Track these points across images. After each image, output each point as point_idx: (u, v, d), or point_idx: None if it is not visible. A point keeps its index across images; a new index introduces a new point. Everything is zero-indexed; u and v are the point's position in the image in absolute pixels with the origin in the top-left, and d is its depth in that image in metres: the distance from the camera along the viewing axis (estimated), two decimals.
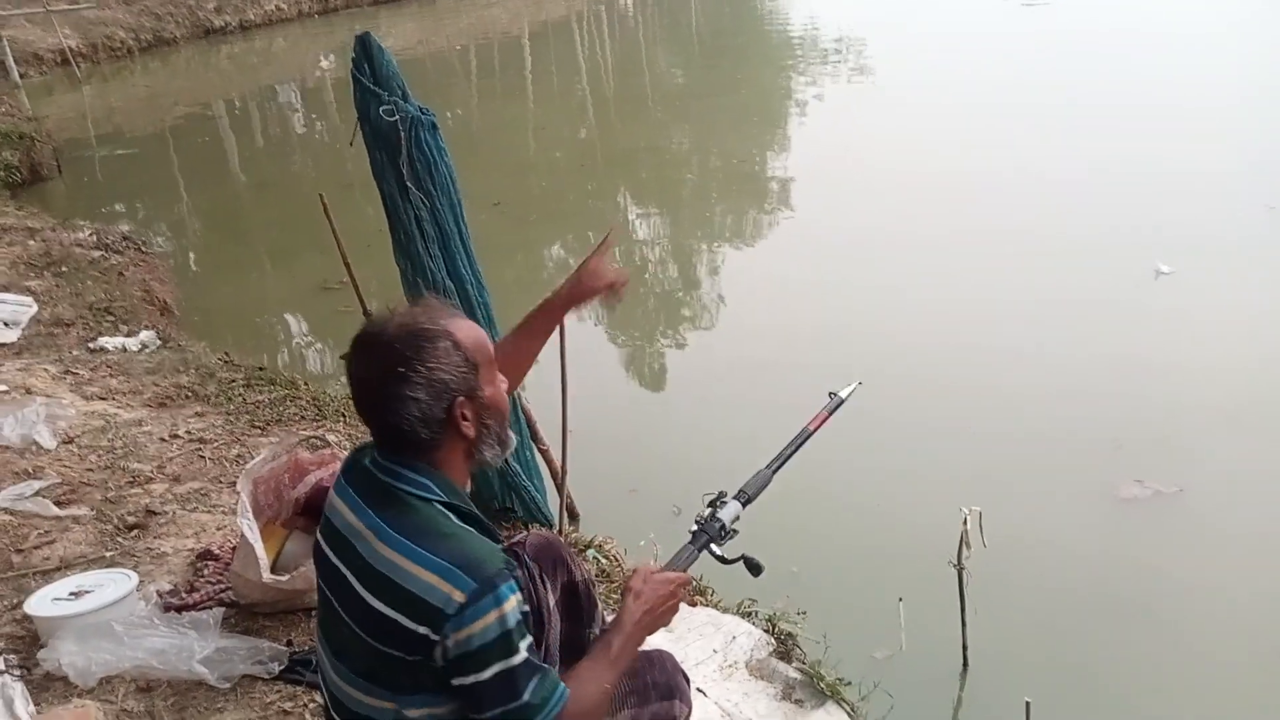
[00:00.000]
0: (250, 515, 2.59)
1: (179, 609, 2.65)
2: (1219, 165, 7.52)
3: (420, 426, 1.48)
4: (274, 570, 2.61)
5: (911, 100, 10.54)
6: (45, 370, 4.43)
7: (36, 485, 3.35)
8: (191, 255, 8.31)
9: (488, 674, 1.40)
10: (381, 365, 1.47)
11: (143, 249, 6.83)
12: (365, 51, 3.21)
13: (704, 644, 2.71)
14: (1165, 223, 6.48)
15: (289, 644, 2.55)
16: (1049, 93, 9.93)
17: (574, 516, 3.66)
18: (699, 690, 2.47)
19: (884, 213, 7.23)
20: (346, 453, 2.92)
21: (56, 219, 7.24)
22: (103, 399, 4.16)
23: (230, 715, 2.34)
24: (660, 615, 1.62)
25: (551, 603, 1.81)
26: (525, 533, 2.08)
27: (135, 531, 3.12)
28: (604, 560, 3.19)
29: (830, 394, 2.03)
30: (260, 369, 4.61)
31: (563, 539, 2.39)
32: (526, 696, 1.42)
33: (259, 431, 3.84)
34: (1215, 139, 8.14)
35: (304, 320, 6.57)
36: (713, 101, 12.14)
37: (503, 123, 12.07)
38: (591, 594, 1.96)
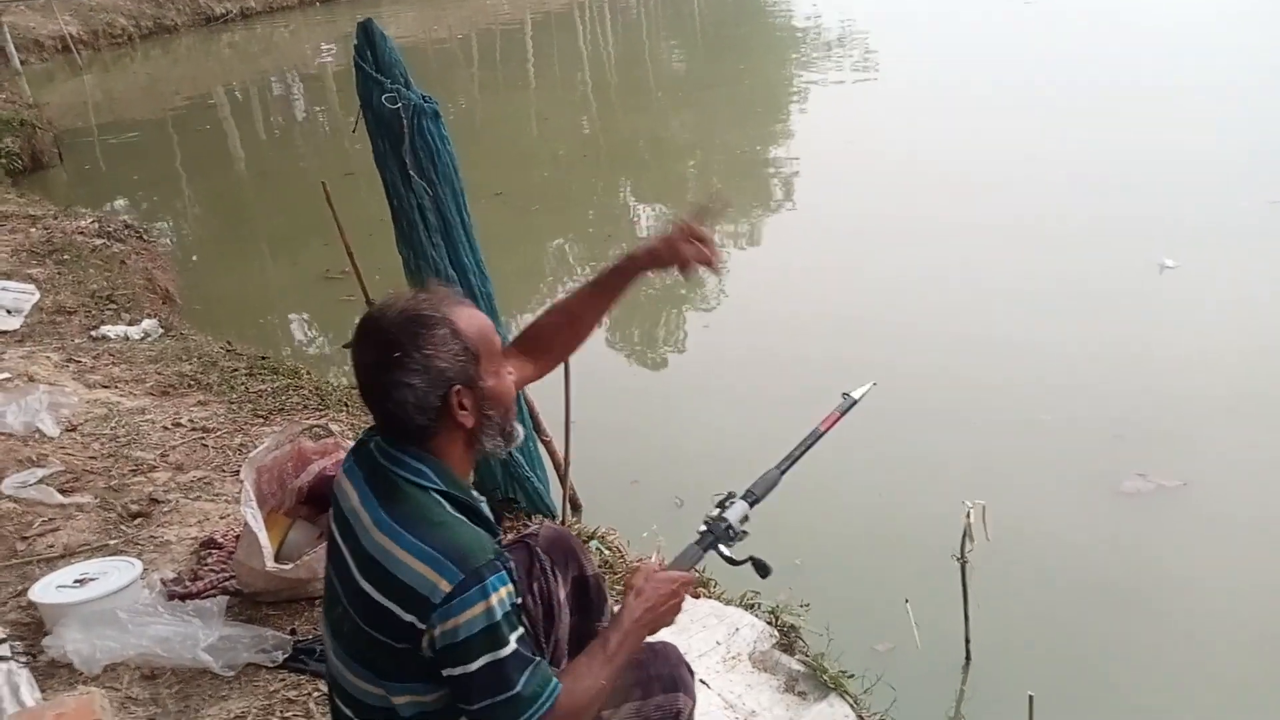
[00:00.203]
0: (254, 504, 2.59)
1: (183, 597, 2.65)
2: (1223, 158, 7.49)
3: (415, 413, 1.47)
4: (277, 559, 2.61)
5: (915, 91, 10.51)
6: (48, 358, 4.43)
7: (40, 473, 3.35)
8: (193, 244, 8.30)
9: (475, 665, 1.39)
10: (379, 350, 1.47)
11: (144, 237, 6.83)
12: (368, 38, 3.20)
13: (707, 635, 2.71)
14: (1169, 216, 6.47)
15: (293, 632, 2.55)
16: (1052, 84, 9.90)
17: (576, 507, 3.66)
18: (702, 682, 2.47)
19: (887, 204, 7.21)
20: (349, 442, 2.93)
21: (58, 206, 7.24)
22: (105, 387, 4.16)
23: (234, 703, 2.34)
24: (662, 615, 1.61)
25: (562, 596, 1.81)
26: (537, 525, 2.06)
27: (139, 520, 3.12)
28: (606, 551, 3.19)
29: (844, 395, 1.98)
30: (262, 358, 4.61)
31: (574, 532, 2.39)
32: (517, 689, 1.40)
33: (261, 420, 3.84)
34: (1218, 132, 8.11)
35: (306, 309, 6.57)
36: (716, 92, 12.10)
37: (505, 112, 12.04)
38: (601, 588, 1.95)
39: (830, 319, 5.60)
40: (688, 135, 10.53)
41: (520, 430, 1.63)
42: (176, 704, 2.35)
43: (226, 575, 2.74)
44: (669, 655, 1.80)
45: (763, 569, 1.76)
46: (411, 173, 3.23)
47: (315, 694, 2.36)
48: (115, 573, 2.62)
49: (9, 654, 2.40)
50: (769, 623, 2.81)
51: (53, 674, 2.41)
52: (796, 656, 2.71)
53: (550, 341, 1.83)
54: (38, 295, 5.20)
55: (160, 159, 10.67)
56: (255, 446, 3.10)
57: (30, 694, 2.29)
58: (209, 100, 13.26)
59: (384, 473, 1.50)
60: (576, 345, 1.88)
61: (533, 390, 3.55)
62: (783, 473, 1.85)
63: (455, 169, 3.29)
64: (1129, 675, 3.14)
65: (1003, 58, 11.57)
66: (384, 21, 3.21)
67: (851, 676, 2.65)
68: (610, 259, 1.88)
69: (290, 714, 2.31)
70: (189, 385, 4.17)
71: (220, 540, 2.94)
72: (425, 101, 3.21)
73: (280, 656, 2.45)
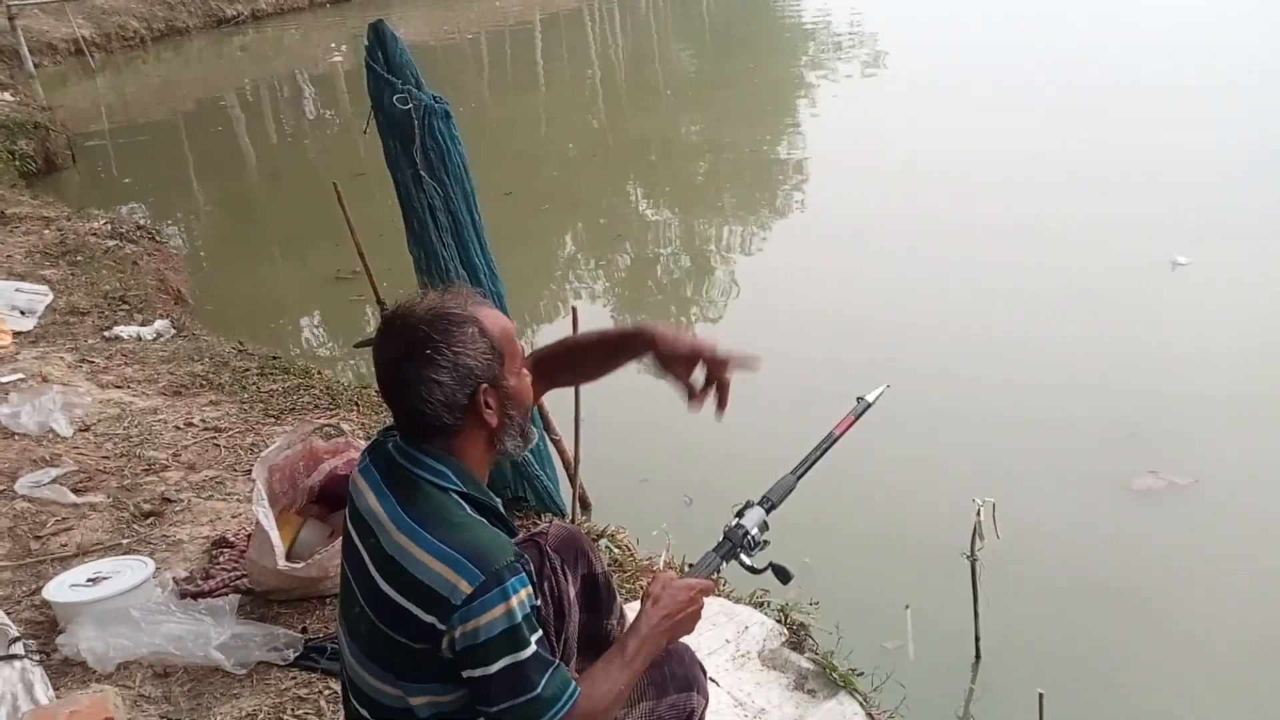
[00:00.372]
0: (266, 503, 2.60)
1: (195, 596, 2.67)
2: (1228, 157, 7.46)
3: (443, 411, 1.47)
4: (289, 557, 2.63)
5: (924, 89, 10.48)
6: (61, 358, 4.46)
7: (54, 472, 3.37)
8: (205, 244, 8.35)
9: (495, 667, 1.39)
10: (407, 347, 1.46)
11: (156, 238, 6.87)
12: (379, 39, 3.21)
13: (717, 633, 2.71)
14: (1176, 215, 6.44)
15: (304, 631, 2.56)
16: (1055, 84, 9.86)
17: (586, 506, 3.67)
18: (711, 680, 2.46)
19: (894, 204, 7.20)
20: (361, 441, 2.95)
21: (71, 208, 7.28)
22: (118, 387, 4.19)
23: (246, 701, 2.35)
24: (680, 622, 1.61)
25: (572, 594, 1.81)
26: (547, 524, 2.06)
27: (151, 519, 3.14)
28: (616, 550, 3.19)
29: (858, 399, 1.97)
30: (274, 358, 4.63)
31: (583, 531, 2.39)
32: (538, 690, 1.41)
33: (273, 420, 3.86)
34: (1223, 131, 8.08)
35: (317, 309, 6.60)
36: (725, 91, 12.09)
37: (514, 112, 12.06)
38: (611, 586, 1.96)
39: (838, 318, 5.59)
40: (697, 135, 10.53)
41: (535, 432, 1.64)
42: (189, 702, 2.36)
43: (238, 574, 2.76)
44: (683, 655, 1.81)
45: (783, 575, 1.75)
46: (422, 173, 3.24)
47: (326, 692, 2.38)
48: (128, 571, 2.64)
49: (23, 652, 2.41)
50: (778, 621, 2.81)
51: (66, 672, 2.43)
52: (806, 654, 2.71)
53: (551, 370, 1.81)
54: (51, 296, 5.23)
55: (172, 161, 10.73)
56: (267, 446, 3.11)
57: (44, 692, 2.31)
58: (220, 102, 13.33)
59: (402, 472, 1.50)
60: (573, 383, 1.90)
61: None
62: (798, 478, 1.84)
63: (466, 169, 3.30)
64: (1139, 674, 3.12)
65: (1006, 58, 11.53)
66: (394, 22, 3.21)
67: (861, 674, 2.64)
68: (631, 321, 1.88)
69: (302, 712, 2.33)
70: (201, 385, 4.20)
71: (232, 539, 2.96)
72: (436, 102, 3.22)
73: (292, 655, 2.46)
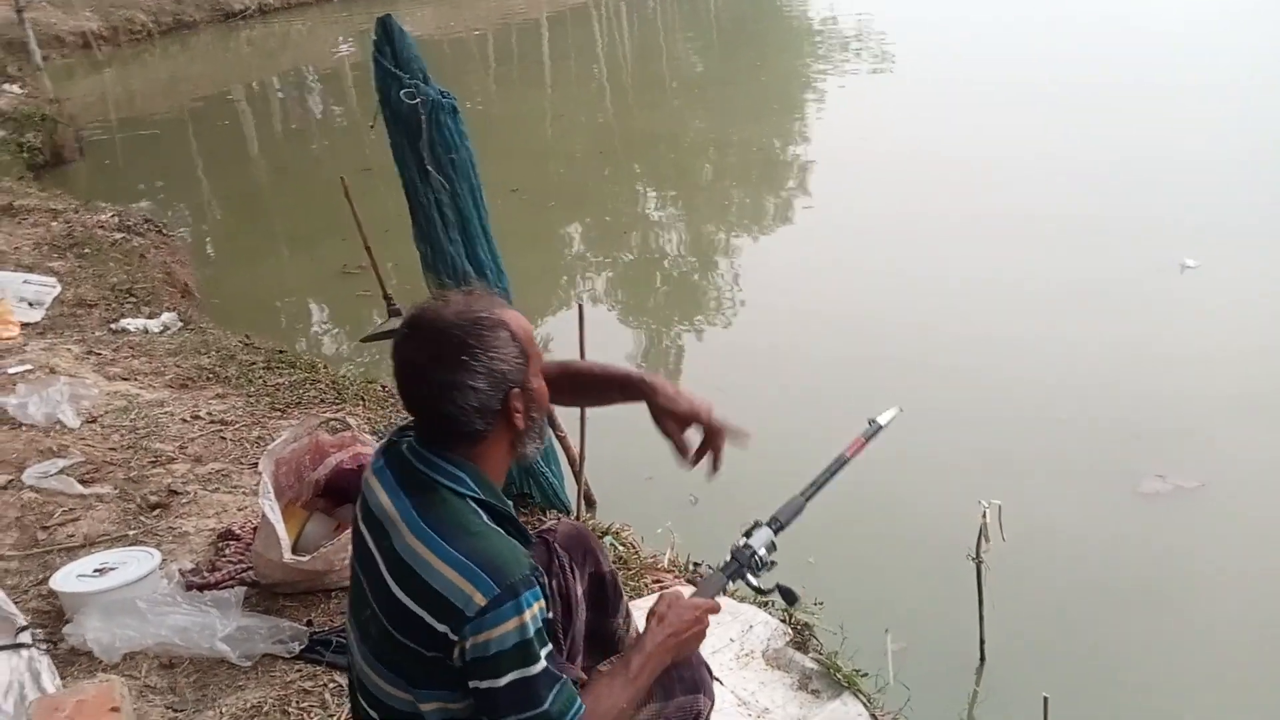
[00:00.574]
0: (272, 496, 2.61)
1: (201, 588, 2.68)
2: (1239, 157, 7.43)
3: (475, 416, 1.45)
4: (294, 551, 2.63)
5: (932, 88, 10.45)
6: (69, 350, 4.48)
7: (61, 463, 3.39)
8: (212, 238, 8.36)
9: (504, 681, 1.38)
10: (440, 352, 1.44)
11: (163, 231, 6.88)
12: (386, 34, 3.21)
13: (721, 632, 2.71)
14: (1186, 215, 6.42)
15: (309, 624, 2.57)
16: (1071, 82, 9.83)
17: (591, 503, 3.67)
18: (715, 679, 2.47)
19: (904, 202, 7.19)
20: (367, 435, 2.96)
21: (79, 200, 7.30)
22: (125, 379, 4.20)
23: (251, 693, 2.36)
24: (685, 641, 1.60)
25: (579, 592, 1.81)
26: (556, 521, 2.06)
27: (158, 510, 3.15)
28: (620, 548, 3.19)
29: (869, 421, 1.96)
30: (280, 352, 4.64)
31: (591, 529, 2.39)
32: (545, 706, 1.40)
33: (279, 414, 3.87)
34: (1233, 131, 8.05)
35: (323, 304, 6.61)
36: (732, 88, 12.08)
37: (521, 109, 12.06)
38: (618, 585, 1.95)
39: (843, 317, 5.58)
40: (704, 131, 10.52)
41: (548, 431, 1.64)
42: (194, 693, 2.37)
43: (244, 566, 2.77)
44: (690, 658, 1.81)
45: (789, 597, 1.75)
46: (429, 168, 3.24)
47: (331, 685, 2.38)
48: (134, 563, 2.65)
49: (30, 641, 2.43)
50: (782, 620, 2.81)
51: (73, 661, 2.44)
52: (810, 654, 2.71)
53: (551, 389, 1.76)
54: (59, 288, 5.25)
55: (179, 154, 10.75)
56: (273, 439, 3.12)
57: (51, 681, 2.32)
58: (228, 96, 13.34)
59: (419, 476, 1.47)
60: (565, 405, 1.90)
61: None
62: (807, 499, 1.83)
63: (473, 165, 3.30)
64: (1145, 677, 3.12)
65: (1014, 59, 11.48)
66: (401, 18, 3.22)
67: (865, 675, 2.64)
68: (631, 365, 1.89)
69: (306, 705, 2.33)
70: (207, 378, 4.20)
71: (238, 532, 2.96)
72: (443, 97, 3.22)
73: (297, 647, 2.47)
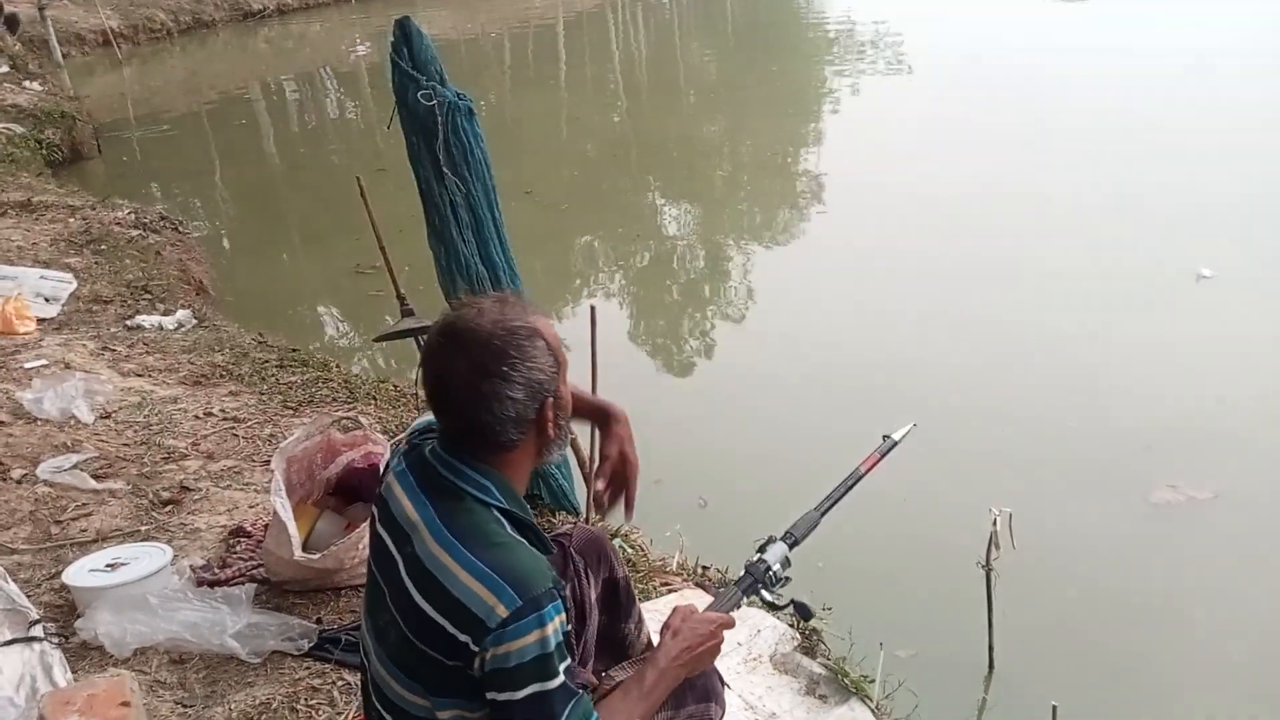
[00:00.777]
0: (283, 493, 2.62)
1: (212, 584, 2.69)
2: (1256, 166, 7.38)
3: (511, 427, 1.44)
4: (305, 548, 2.64)
5: (948, 98, 10.43)
6: (84, 346, 4.51)
7: (75, 458, 3.41)
8: (227, 236, 8.41)
9: (521, 694, 1.37)
10: (481, 362, 1.42)
11: (179, 229, 6.92)
12: (404, 35, 3.23)
13: (728, 636, 2.69)
14: (1202, 225, 6.38)
15: (319, 622, 2.58)
16: (1088, 95, 9.78)
17: (600, 506, 3.67)
18: (724, 684, 2.47)
19: (915, 212, 7.17)
20: (379, 434, 2.97)
21: (96, 197, 7.35)
22: (139, 376, 4.23)
23: (260, 690, 2.37)
24: (699, 656, 1.59)
25: (593, 597, 1.81)
26: (570, 525, 2.07)
27: (170, 506, 3.17)
28: (629, 550, 3.19)
29: (884, 436, 1.96)
30: (293, 350, 4.66)
31: (606, 534, 2.39)
32: None
33: (291, 412, 3.89)
34: (1258, 142, 7.99)
35: (337, 303, 6.64)
36: (747, 93, 12.07)
37: (536, 111, 12.08)
38: (630, 590, 1.96)
39: (857, 326, 5.58)
40: (718, 136, 10.52)
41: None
42: (204, 689, 2.38)
43: (255, 563, 2.78)
44: None
45: (805, 612, 1.75)
46: (445, 169, 3.25)
47: (339, 683, 2.39)
48: (146, 558, 2.67)
49: (43, 635, 2.45)
50: (790, 625, 2.80)
51: (84, 656, 2.45)
52: (818, 660, 2.70)
53: None
54: (75, 284, 5.29)
55: (196, 152, 10.82)
56: (285, 437, 3.14)
57: (62, 674, 2.34)
58: (245, 95, 13.42)
59: (443, 483, 1.46)
60: None
61: None
62: (822, 514, 1.83)
63: (487, 166, 3.31)
64: (1154, 687, 3.10)
65: (1037, 64, 11.44)
66: (418, 18, 3.23)
67: (873, 681, 2.63)
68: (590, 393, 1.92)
69: (315, 702, 2.34)
70: (221, 376, 4.23)
71: (249, 529, 2.98)
72: (460, 99, 3.23)
73: (306, 645, 2.48)
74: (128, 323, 4.87)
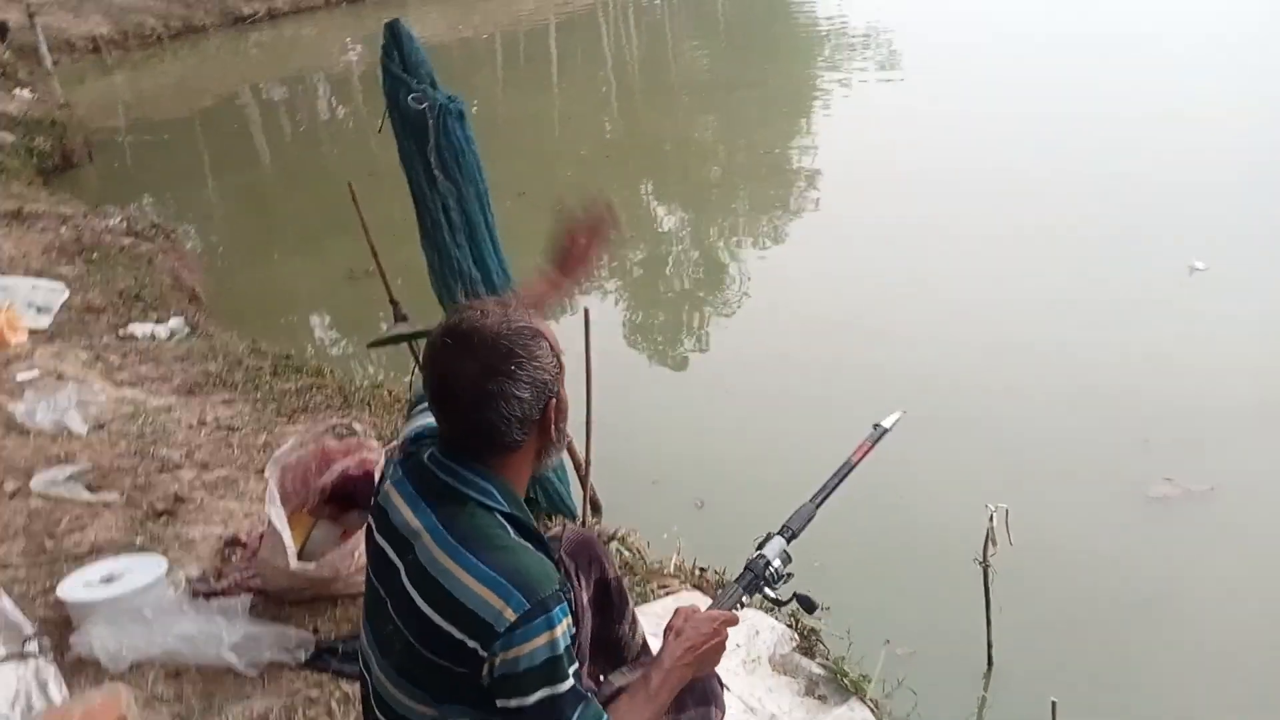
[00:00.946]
0: (278, 503, 2.61)
1: (207, 595, 2.68)
2: (1250, 161, 7.38)
3: (516, 427, 1.43)
4: (301, 557, 2.63)
5: (940, 95, 10.41)
6: (77, 356, 4.49)
7: (69, 470, 3.39)
8: (219, 242, 8.39)
9: (532, 699, 1.36)
10: (490, 362, 1.41)
11: (171, 236, 6.90)
12: (395, 38, 3.22)
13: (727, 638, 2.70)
14: (1197, 220, 6.38)
15: (315, 631, 2.57)
16: (1072, 90, 9.77)
17: (596, 508, 3.66)
18: (724, 686, 2.46)
19: (912, 209, 7.16)
20: (373, 441, 2.95)
21: (88, 205, 7.33)
22: (133, 385, 4.21)
23: (257, 702, 2.36)
24: (704, 655, 1.58)
25: (585, 599, 1.80)
26: (560, 527, 2.06)
27: (165, 518, 3.16)
28: (626, 553, 3.18)
29: (874, 425, 1.97)
30: (287, 357, 4.64)
31: (596, 535, 2.38)
32: None
33: (286, 419, 3.87)
34: (1244, 135, 7.99)
35: (330, 309, 6.62)
36: (740, 93, 12.05)
37: (528, 112, 12.06)
38: (623, 591, 1.95)
39: (852, 322, 5.56)
40: (711, 136, 10.50)
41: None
42: (200, 702, 2.37)
43: (250, 574, 2.77)
44: None
45: (809, 605, 1.74)
46: (436, 172, 3.24)
47: (337, 694, 2.38)
48: (141, 570, 2.65)
49: (37, 650, 2.43)
50: (789, 625, 2.80)
51: (80, 670, 2.44)
52: (817, 660, 2.70)
53: None
54: (67, 293, 5.26)
55: (188, 158, 10.79)
56: (279, 445, 3.12)
57: (58, 690, 2.33)
58: (236, 100, 13.38)
59: (444, 488, 1.45)
60: None
61: None
62: (817, 506, 1.83)
63: (479, 169, 3.30)
64: (1153, 681, 3.10)
65: (1029, 60, 11.45)
66: (410, 21, 3.22)
67: (872, 680, 2.63)
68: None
69: (313, 713, 2.33)
70: (215, 384, 4.21)
71: (244, 539, 2.96)
72: (451, 101, 3.22)
73: (303, 655, 2.47)
74: (120, 332, 4.86)
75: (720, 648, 1.60)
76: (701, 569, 3.13)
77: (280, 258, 7.67)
